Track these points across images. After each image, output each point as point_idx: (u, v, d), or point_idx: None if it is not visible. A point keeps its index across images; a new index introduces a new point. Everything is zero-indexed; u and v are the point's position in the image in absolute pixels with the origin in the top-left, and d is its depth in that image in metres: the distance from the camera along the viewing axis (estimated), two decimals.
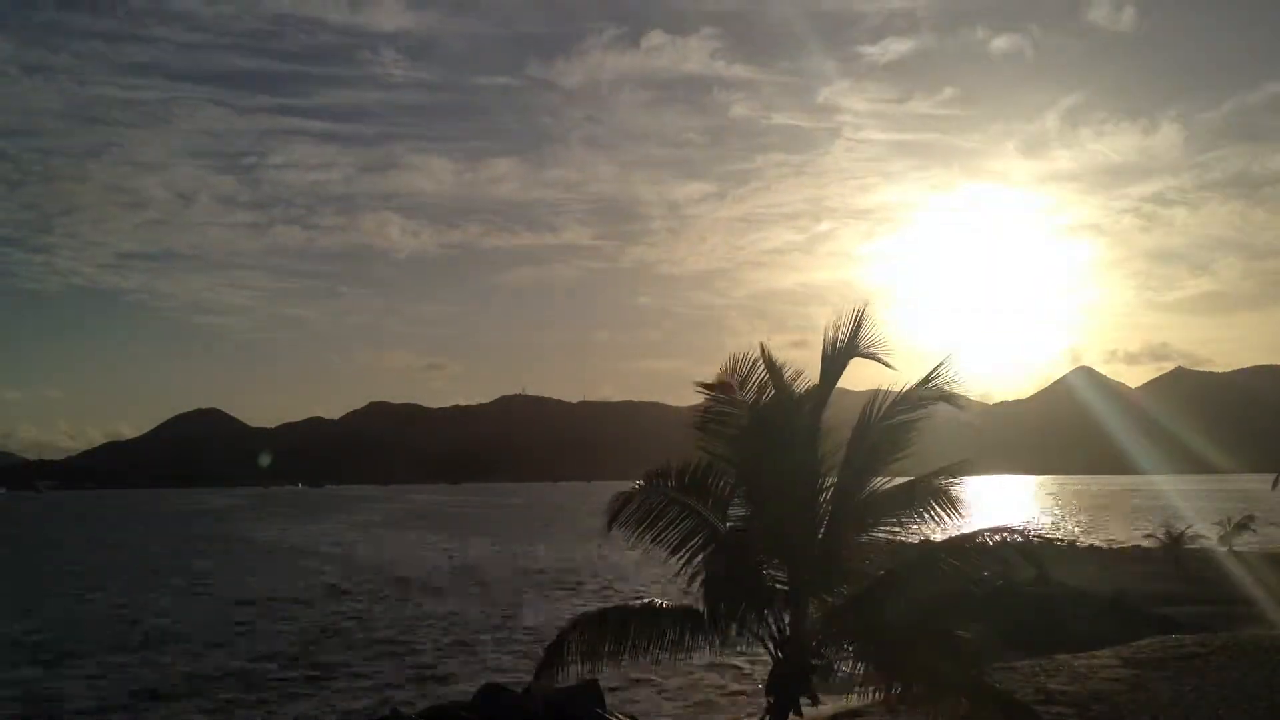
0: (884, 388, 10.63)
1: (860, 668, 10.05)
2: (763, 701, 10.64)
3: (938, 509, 10.44)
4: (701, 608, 10.39)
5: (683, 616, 10.53)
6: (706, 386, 10.89)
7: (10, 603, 43.58)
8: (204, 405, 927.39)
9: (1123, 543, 61.55)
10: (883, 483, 10.67)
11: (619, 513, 10.69)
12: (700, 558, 10.48)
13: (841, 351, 10.55)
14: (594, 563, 59.26)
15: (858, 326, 10.50)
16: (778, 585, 10.52)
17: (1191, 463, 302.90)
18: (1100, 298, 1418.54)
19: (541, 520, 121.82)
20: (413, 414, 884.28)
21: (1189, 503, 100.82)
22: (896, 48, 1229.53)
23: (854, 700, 13.27)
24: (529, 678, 11.32)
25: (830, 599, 10.57)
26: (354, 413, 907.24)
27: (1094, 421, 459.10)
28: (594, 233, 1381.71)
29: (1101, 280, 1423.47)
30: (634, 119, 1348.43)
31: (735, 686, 23.93)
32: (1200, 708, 16.47)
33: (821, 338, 10.66)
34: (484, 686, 19.94)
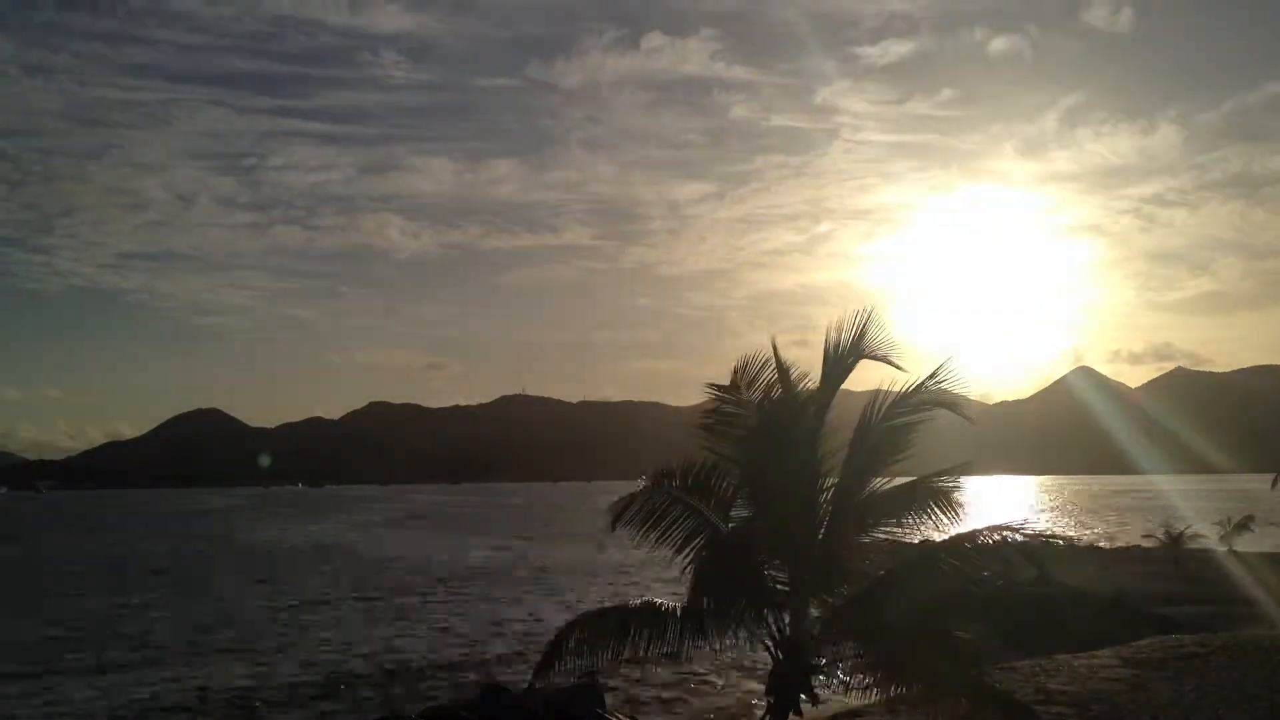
0: (884, 388, 10.65)
1: (860, 668, 10.06)
2: (763, 701, 10.64)
3: (937, 510, 10.46)
4: (689, 603, 10.42)
5: (683, 616, 10.53)
6: (717, 388, 10.90)
7: (11, 602, 43.56)
8: (204, 405, 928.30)
9: (1123, 543, 61.54)
10: (883, 483, 10.69)
11: (623, 512, 10.71)
12: (703, 556, 10.50)
13: (847, 353, 10.55)
14: (594, 562, 59.25)
15: (864, 328, 10.50)
16: (778, 585, 10.53)
17: (1191, 463, 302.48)
18: (1100, 298, 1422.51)
19: (541, 520, 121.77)
20: (413, 414, 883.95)
21: (1189, 503, 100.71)
22: (896, 49, 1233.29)
23: (854, 700, 13.26)
24: (529, 678, 11.29)
25: (830, 599, 10.58)
26: (354, 413, 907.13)
27: (1094, 421, 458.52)
28: (594, 233, 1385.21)
29: (1101, 281, 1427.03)
30: (634, 120, 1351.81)
31: (735, 686, 23.93)
32: (1200, 708, 16.46)
33: (823, 337, 10.68)
34: (484, 686, 19.95)
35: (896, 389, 10.59)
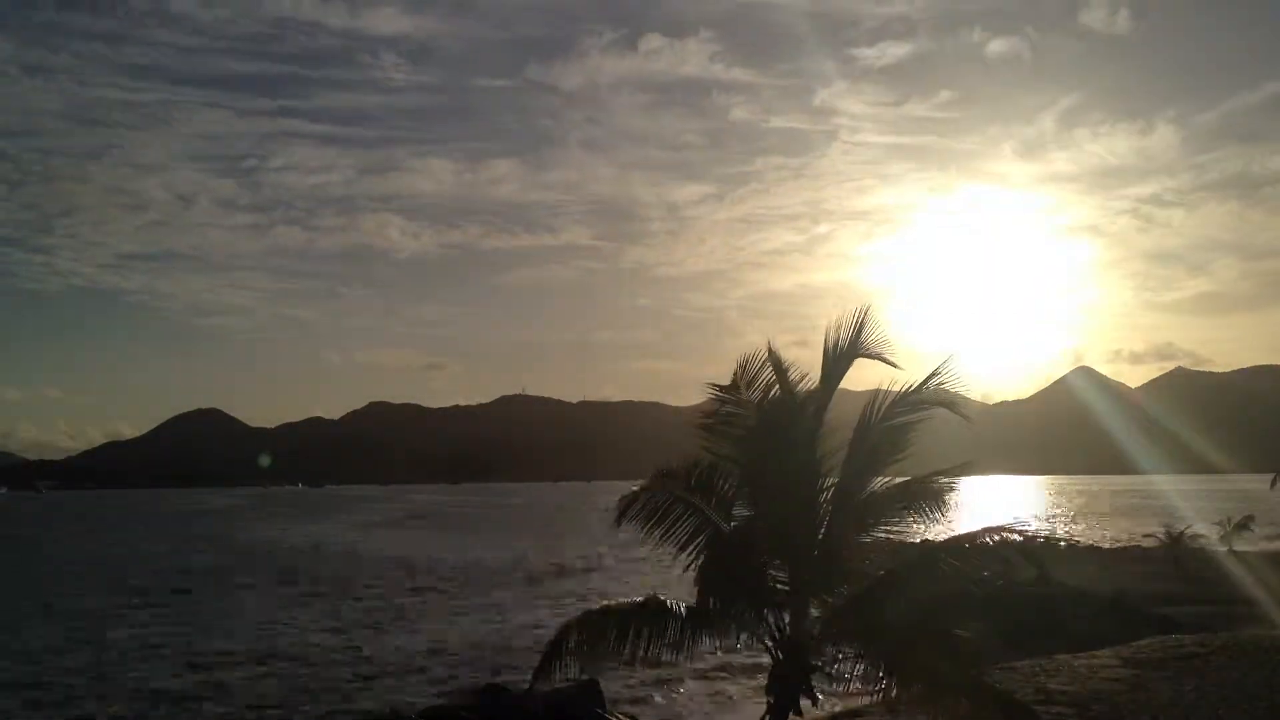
0: (884, 387, 10.65)
1: (860, 668, 10.06)
2: (763, 701, 10.64)
3: (935, 511, 10.48)
4: (697, 604, 10.41)
5: (684, 615, 10.53)
6: (717, 388, 10.91)
7: (11, 603, 43.57)
8: (204, 405, 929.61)
9: (1123, 543, 61.54)
10: (883, 483, 10.70)
11: (628, 508, 10.72)
12: (705, 556, 10.51)
13: (844, 352, 10.57)
14: (595, 562, 59.24)
15: (861, 327, 10.52)
16: (778, 585, 10.53)
17: (1191, 463, 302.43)
18: (1099, 298, 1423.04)
19: (542, 520, 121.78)
20: (413, 414, 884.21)
21: (1189, 503, 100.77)
22: (894, 51, 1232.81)
23: (854, 700, 13.27)
24: (529, 677, 11.28)
25: (830, 599, 10.59)
26: (354, 413, 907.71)
27: (1094, 421, 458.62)
28: (593, 234, 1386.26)
29: (1100, 281, 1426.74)
30: (633, 121, 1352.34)
31: (736, 686, 23.92)
32: (1200, 708, 16.46)
33: (823, 337, 10.69)
34: (484, 686, 19.98)
35: (896, 389, 10.61)
